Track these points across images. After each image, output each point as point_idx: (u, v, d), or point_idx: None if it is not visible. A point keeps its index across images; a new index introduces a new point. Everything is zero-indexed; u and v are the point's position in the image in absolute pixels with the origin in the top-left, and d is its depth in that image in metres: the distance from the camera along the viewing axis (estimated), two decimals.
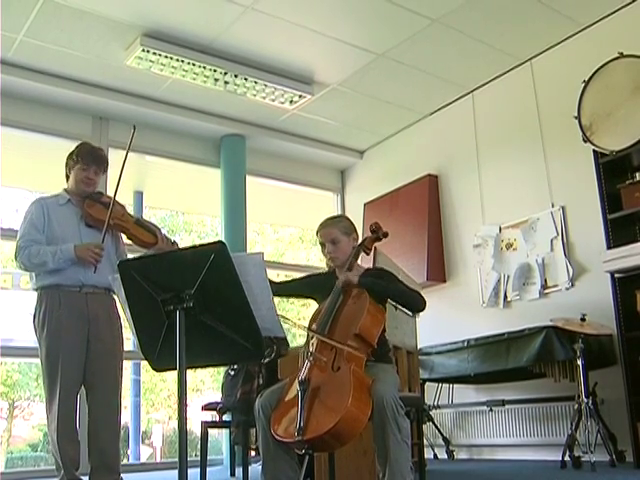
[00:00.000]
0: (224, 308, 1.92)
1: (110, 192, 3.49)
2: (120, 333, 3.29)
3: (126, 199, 7.00)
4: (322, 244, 2.91)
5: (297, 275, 6.96)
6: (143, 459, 11.54)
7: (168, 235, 3.49)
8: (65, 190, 3.39)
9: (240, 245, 5.91)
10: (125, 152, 3.30)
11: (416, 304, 2.80)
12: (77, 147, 3.38)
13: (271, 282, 3.01)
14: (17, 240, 3.21)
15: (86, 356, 3.18)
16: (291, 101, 5.59)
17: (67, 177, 3.39)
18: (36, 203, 3.31)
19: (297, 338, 7.40)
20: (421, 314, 4.57)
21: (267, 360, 3.73)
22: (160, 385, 14.08)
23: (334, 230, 2.87)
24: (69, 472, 3.07)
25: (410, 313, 4.07)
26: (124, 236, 3.47)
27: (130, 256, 3.29)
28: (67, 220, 3.29)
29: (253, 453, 4.27)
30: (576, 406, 3.94)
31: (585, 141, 4.27)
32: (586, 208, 4.60)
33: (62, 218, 3.28)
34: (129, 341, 3.48)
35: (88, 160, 3.30)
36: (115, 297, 3.11)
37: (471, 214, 5.60)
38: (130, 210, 3.53)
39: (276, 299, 2.36)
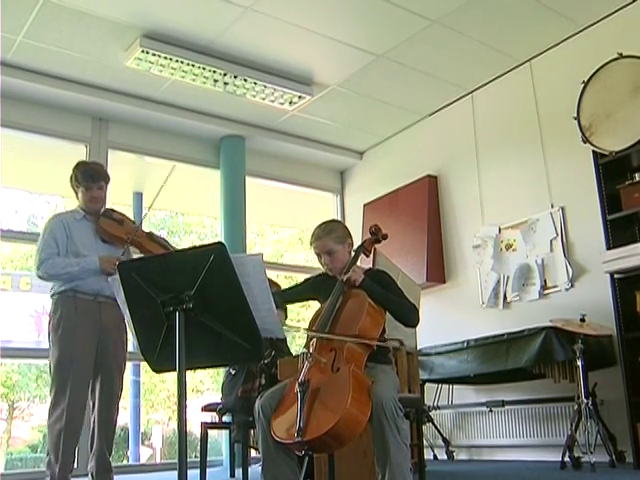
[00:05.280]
0: (224, 309, 1.92)
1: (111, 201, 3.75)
2: (126, 342, 3.48)
3: (126, 200, 7.01)
4: (318, 254, 2.91)
5: (297, 276, 6.98)
6: (143, 460, 11.54)
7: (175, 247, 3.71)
8: (79, 207, 3.58)
9: (240, 246, 5.91)
10: (158, 189, 3.52)
11: (411, 320, 2.80)
12: (74, 170, 3.56)
13: (278, 292, 3.04)
14: (39, 253, 3.39)
15: (94, 361, 3.35)
16: (291, 102, 5.59)
17: (77, 197, 3.60)
18: (55, 219, 3.51)
19: (297, 339, 7.40)
20: (421, 315, 4.60)
21: (266, 361, 3.73)
22: (160, 386, 14.09)
23: (328, 242, 2.85)
24: (63, 473, 3.12)
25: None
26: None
27: None
28: (85, 234, 3.50)
29: (254, 452, 4.26)
30: (576, 407, 3.94)
31: (584, 142, 4.27)
32: (585, 209, 4.60)
33: (80, 233, 3.48)
34: (129, 342, 3.53)
35: (88, 181, 3.50)
36: None
37: (470, 215, 5.60)
38: (129, 211, 3.61)
39: None
